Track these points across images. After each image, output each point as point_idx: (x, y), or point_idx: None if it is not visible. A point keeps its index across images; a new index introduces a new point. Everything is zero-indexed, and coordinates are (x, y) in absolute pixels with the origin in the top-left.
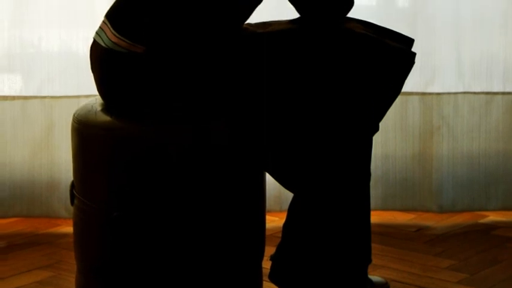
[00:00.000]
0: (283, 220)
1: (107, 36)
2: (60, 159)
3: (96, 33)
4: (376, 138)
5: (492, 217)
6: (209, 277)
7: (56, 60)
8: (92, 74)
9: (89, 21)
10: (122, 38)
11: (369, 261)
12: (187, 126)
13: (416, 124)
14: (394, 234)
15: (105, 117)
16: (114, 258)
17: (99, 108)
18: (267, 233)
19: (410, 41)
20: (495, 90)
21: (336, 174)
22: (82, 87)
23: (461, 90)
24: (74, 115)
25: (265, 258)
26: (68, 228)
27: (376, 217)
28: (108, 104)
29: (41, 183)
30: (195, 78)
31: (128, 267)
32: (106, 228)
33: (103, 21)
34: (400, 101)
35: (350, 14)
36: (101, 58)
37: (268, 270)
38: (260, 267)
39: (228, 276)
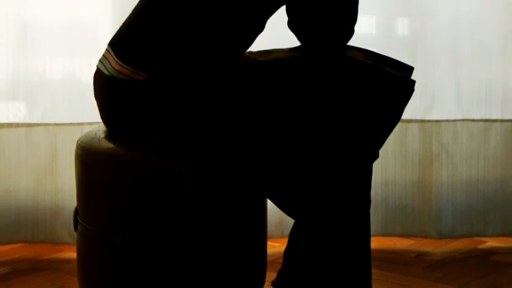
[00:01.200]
0: (284, 246)
1: (110, 64)
2: (64, 186)
3: (100, 61)
4: (376, 165)
5: (491, 243)
6: None
7: (59, 87)
8: (95, 102)
9: (92, 50)
10: (124, 65)
11: (369, 286)
12: (190, 154)
13: (415, 151)
14: (394, 260)
15: (108, 144)
16: (118, 283)
17: (102, 135)
18: (268, 258)
19: (410, 69)
20: (494, 117)
21: (336, 201)
22: (85, 114)
23: (460, 117)
24: (77, 142)
25: (266, 283)
26: (72, 254)
27: (376, 243)
28: (111, 131)
29: (45, 209)
30: (196, 106)
31: None
32: (109, 254)
33: (106, 50)
34: (399, 128)
35: (350, 42)
36: (104, 86)
37: None
38: None
39: None
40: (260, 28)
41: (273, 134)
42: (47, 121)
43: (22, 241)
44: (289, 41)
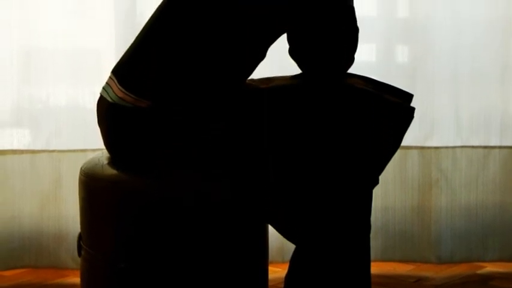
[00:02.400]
0: (286, 271)
1: (113, 91)
2: (68, 212)
3: (103, 88)
4: (376, 191)
5: (489, 268)
6: None
7: (63, 115)
8: (98, 129)
9: (96, 77)
10: (127, 93)
11: None
12: (192, 181)
13: (415, 177)
14: (394, 285)
15: (111, 171)
16: None
17: (105, 161)
18: (270, 283)
19: (410, 96)
20: (492, 144)
21: (336, 227)
22: (89, 141)
23: (459, 144)
24: (81, 168)
25: None
26: (75, 279)
27: (376, 268)
28: (115, 158)
29: (48, 234)
30: (198, 133)
31: None
32: (112, 279)
33: (109, 77)
34: (399, 154)
35: (351, 70)
36: (107, 113)
37: None
38: None
39: None
40: (261, 56)
41: (274, 161)
42: (51, 148)
43: (26, 266)
44: (290, 68)
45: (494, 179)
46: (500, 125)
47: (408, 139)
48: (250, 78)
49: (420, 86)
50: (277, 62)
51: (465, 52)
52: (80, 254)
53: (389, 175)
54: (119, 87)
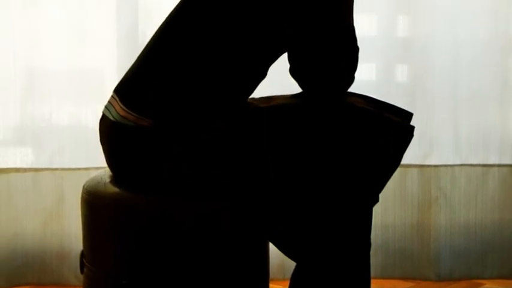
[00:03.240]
0: None
1: (115, 110)
2: (70, 229)
3: (105, 107)
4: (376, 209)
5: (488, 285)
6: None
7: (66, 133)
8: (101, 147)
9: (98, 96)
10: (129, 111)
11: None
12: (193, 198)
13: (415, 195)
14: None
15: (113, 189)
16: None
17: (108, 179)
18: None
19: (409, 115)
20: (491, 162)
21: (337, 244)
22: (91, 159)
23: (458, 162)
24: (83, 186)
25: None
26: None
27: (376, 285)
28: (117, 176)
29: (51, 252)
30: (199, 152)
31: None
32: None
33: (112, 96)
34: (399, 172)
35: (351, 89)
36: (110, 131)
37: None
38: None
39: None
40: (262, 75)
41: (275, 178)
42: (53, 166)
43: (29, 284)
44: (291, 87)
45: (493, 197)
46: (499, 144)
47: (408, 157)
48: (251, 97)
49: (420, 104)
50: (278, 81)
51: (464, 71)
52: (82, 271)
53: (389, 193)
54: (121, 105)
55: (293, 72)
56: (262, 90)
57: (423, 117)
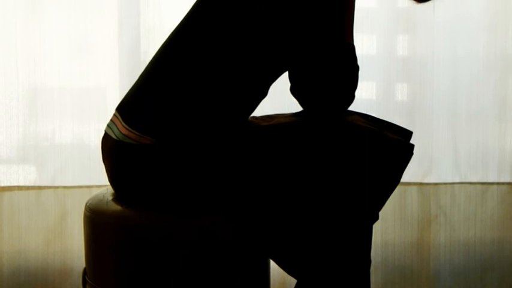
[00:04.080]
0: None
1: (118, 129)
2: (73, 247)
3: (108, 125)
4: (376, 227)
5: None
6: None
7: (68, 151)
8: (103, 165)
9: (100, 115)
10: (131, 130)
11: None
12: (194, 217)
13: (414, 213)
14: None
15: (116, 207)
16: None
17: (110, 197)
18: None
19: (409, 134)
20: (490, 180)
21: (337, 262)
22: (94, 177)
23: (457, 180)
24: (86, 204)
25: None
26: None
27: None
28: (119, 194)
29: (54, 269)
30: (202, 170)
31: None
32: None
33: (114, 114)
34: (399, 190)
35: (351, 107)
36: (112, 150)
37: None
38: None
39: None
40: (263, 93)
41: (275, 197)
42: (56, 184)
43: None
44: (292, 106)
45: (493, 215)
46: (498, 162)
47: (407, 175)
48: (252, 115)
49: (419, 123)
50: (279, 99)
51: (463, 90)
52: None
53: (389, 211)
54: (123, 124)
55: (294, 91)
56: (263, 109)
57: (423, 136)
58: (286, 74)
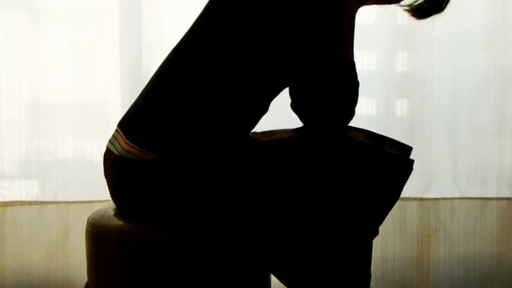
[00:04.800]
0: None
1: (119, 144)
2: (75, 261)
3: (109, 141)
4: (376, 241)
5: None
6: None
7: (71, 167)
8: (105, 180)
9: (102, 130)
10: (133, 145)
11: None
12: (196, 231)
13: (414, 228)
14: None
15: (117, 222)
16: None
17: (112, 212)
18: None
19: (409, 149)
20: (489, 195)
21: (338, 276)
22: (96, 192)
23: (457, 195)
24: (88, 219)
25: None
26: None
27: None
28: (121, 209)
29: (56, 284)
30: (203, 185)
31: None
32: None
33: (116, 130)
34: (398, 205)
35: (351, 123)
36: (114, 165)
37: None
38: None
39: None
40: (264, 109)
41: (275, 212)
42: (58, 199)
43: None
44: (292, 121)
45: (492, 229)
46: (497, 177)
47: (407, 190)
48: (253, 131)
49: (419, 138)
50: (280, 115)
51: (462, 105)
52: None
53: (388, 226)
54: (125, 140)
55: (294, 106)
56: (264, 124)
57: (422, 151)
58: (286, 90)
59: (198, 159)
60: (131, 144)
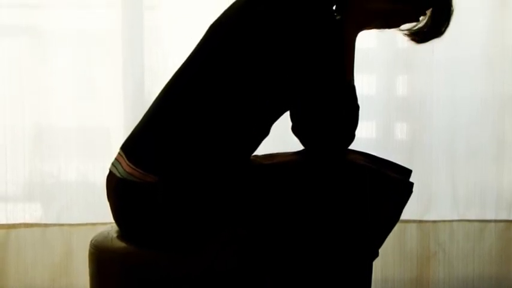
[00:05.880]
0: None
1: (122, 167)
2: (78, 283)
3: (112, 164)
4: (376, 263)
5: None
6: None
7: (74, 189)
8: (108, 203)
9: (105, 153)
10: (135, 168)
11: None
12: (198, 254)
13: (413, 250)
14: None
15: (120, 244)
16: None
17: (114, 235)
18: None
19: (409, 172)
20: (488, 218)
21: None
22: (99, 215)
23: (456, 218)
24: (91, 241)
25: None
26: None
27: None
28: (123, 231)
29: None
30: (203, 208)
31: None
32: None
33: (118, 153)
34: (398, 228)
35: (351, 146)
36: (116, 188)
37: None
38: None
39: None
40: (265, 132)
41: (276, 235)
42: (61, 221)
43: None
44: (293, 144)
45: (491, 251)
46: (495, 200)
47: (407, 213)
48: (254, 154)
49: (418, 161)
50: (280, 138)
51: (461, 128)
52: None
53: (388, 248)
54: (128, 162)
55: (295, 130)
56: (265, 147)
57: (422, 174)
58: (287, 113)
59: (199, 182)
60: (133, 167)
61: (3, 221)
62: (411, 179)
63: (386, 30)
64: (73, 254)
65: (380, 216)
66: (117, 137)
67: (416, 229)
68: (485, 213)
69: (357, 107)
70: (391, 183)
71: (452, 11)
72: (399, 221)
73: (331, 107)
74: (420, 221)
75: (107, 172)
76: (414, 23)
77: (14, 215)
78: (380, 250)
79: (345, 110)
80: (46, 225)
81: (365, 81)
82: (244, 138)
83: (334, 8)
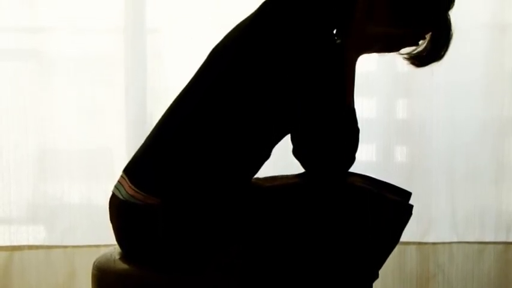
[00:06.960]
0: None
1: (124, 189)
2: None
3: (115, 186)
4: (376, 285)
5: None
6: None
7: (77, 211)
8: (111, 225)
9: (108, 175)
10: (137, 190)
11: None
12: (201, 275)
13: (413, 272)
14: None
15: (123, 266)
16: None
17: (117, 256)
18: None
19: (408, 194)
20: (487, 240)
21: None
22: (102, 237)
23: (455, 240)
24: (94, 263)
25: None
26: None
27: None
28: (126, 253)
29: None
30: (205, 231)
31: None
32: None
33: (121, 176)
34: (398, 250)
35: (352, 169)
36: (119, 210)
37: None
38: None
39: None
40: (266, 155)
41: (278, 257)
42: (65, 243)
43: None
44: (294, 167)
45: (490, 273)
46: (494, 222)
47: (406, 234)
48: (255, 177)
49: (418, 184)
50: (281, 161)
51: (461, 151)
52: None
53: (388, 269)
54: (130, 185)
55: (296, 152)
56: (265, 170)
57: (421, 196)
58: (288, 136)
59: (200, 204)
60: (136, 189)
61: (7, 243)
62: (411, 202)
63: (386, 54)
64: (76, 276)
65: (380, 238)
66: (119, 158)
67: (416, 251)
68: (485, 235)
69: (357, 130)
70: (391, 205)
71: (452, 35)
72: (399, 243)
73: (332, 130)
74: (420, 243)
75: (110, 194)
76: (414, 47)
77: (18, 236)
78: (380, 272)
79: (345, 133)
80: (49, 247)
81: (365, 105)
82: (246, 161)
83: (335, 32)
